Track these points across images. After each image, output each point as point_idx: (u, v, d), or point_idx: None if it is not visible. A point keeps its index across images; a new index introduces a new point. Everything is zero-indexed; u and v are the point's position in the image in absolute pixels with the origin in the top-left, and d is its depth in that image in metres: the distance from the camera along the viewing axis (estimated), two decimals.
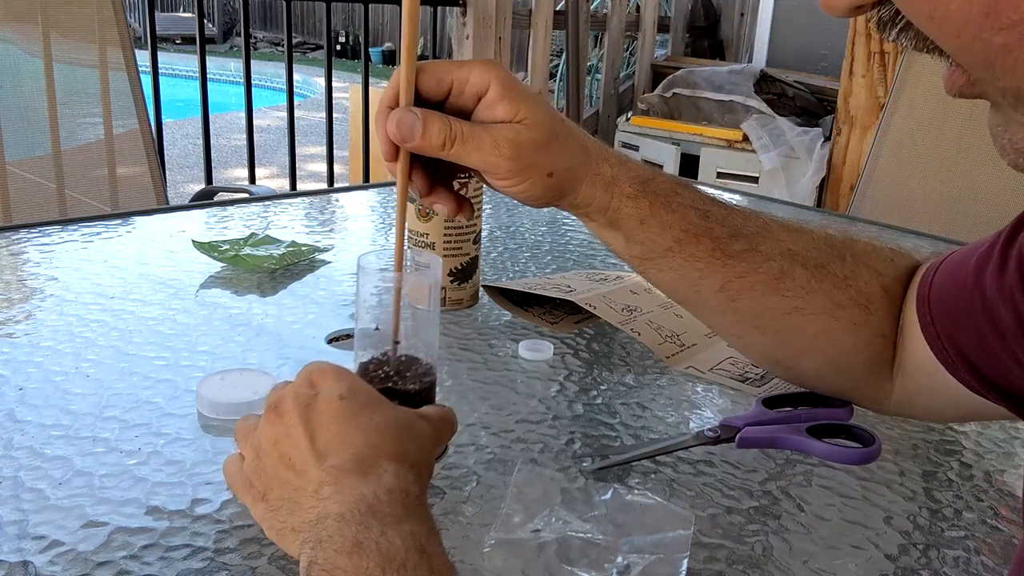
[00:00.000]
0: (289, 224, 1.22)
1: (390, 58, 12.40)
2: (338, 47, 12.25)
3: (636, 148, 3.89)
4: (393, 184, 0.61)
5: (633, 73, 4.60)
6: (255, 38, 12.78)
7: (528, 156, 0.58)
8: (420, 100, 0.58)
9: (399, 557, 0.43)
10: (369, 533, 0.44)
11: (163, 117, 2.49)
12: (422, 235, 0.90)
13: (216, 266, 1.02)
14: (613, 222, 0.62)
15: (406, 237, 0.81)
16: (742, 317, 0.65)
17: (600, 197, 0.61)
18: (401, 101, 0.58)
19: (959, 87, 0.34)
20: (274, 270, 1.02)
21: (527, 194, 0.60)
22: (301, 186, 3.41)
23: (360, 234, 1.29)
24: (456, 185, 0.65)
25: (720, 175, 3.63)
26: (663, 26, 4.71)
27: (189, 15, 13.71)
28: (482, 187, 0.90)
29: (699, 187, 0.66)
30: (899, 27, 0.33)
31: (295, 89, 2.84)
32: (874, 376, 0.65)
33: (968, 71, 0.33)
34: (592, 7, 4.27)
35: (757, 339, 0.66)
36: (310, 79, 8.84)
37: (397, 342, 0.61)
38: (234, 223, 1.21)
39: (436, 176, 0.62)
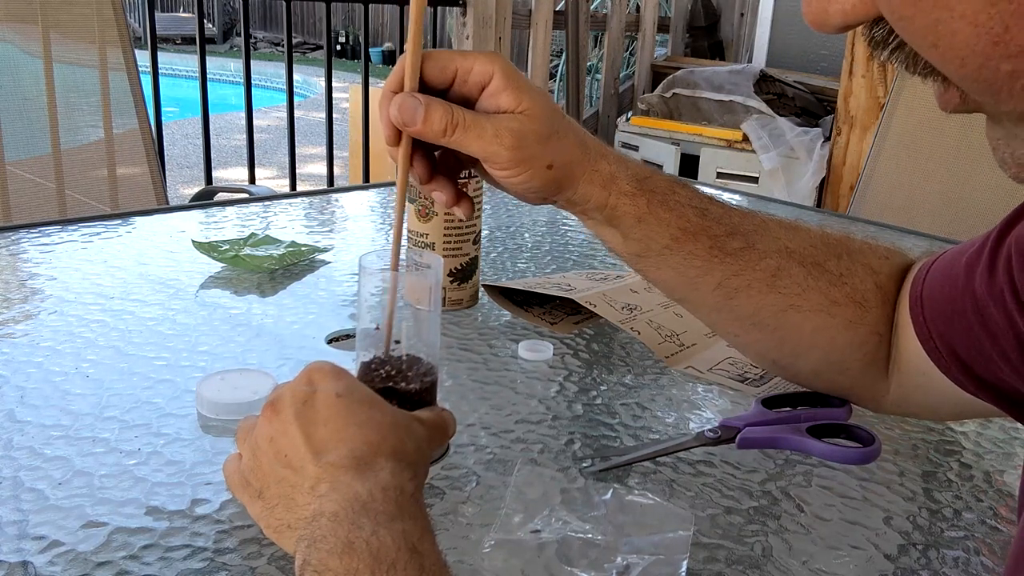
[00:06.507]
0: (289, 224, 1.22)
1: (390, 58, 12.39)
2: (338, 47, 12.26)
3: (636, 148, 3.89)
4: (393, 184, 0.61)
5: (633, 73, 4.60)
6: (255, 38, 12.78)
7: (529, 147, 0.58)
8: (424, 88, 0.58)
9: (389, 557, 0.43)
10: (360, 533, 0.44)
11: (163, 117, 2.50)
12: (422, 235, 0.89)
13: (216, 266, 1.02)
14: (611, 219, 0.63)
15: (406, 237, 0.81)
16: (739, 315, 0.65)
17: (598, 194, 0.62)
18: (406, 86, 0.58)
19: (954, 105, 0.33)
20: (274, 270, 1.02)
21: (526, 186, 0.60)
22: (301, 186, 3.42)
23: (360, 234, 1.28)
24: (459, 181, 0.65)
25: (720, 175, 3.62)
26: (663, 26, 4.71)
27: (189, 15, 13.71)
28: (482, 187, 0.90)
29: (696, 186, 0.66)
30: (891, 48, 0.32)
31: (295, 89, 2.85)
32: (870, 374, 0.65)
33: (967, 94, 0.32)
34: (592, 7, 4.27)
35: (755, 337, 0.66)
36: (310, 79, 8.85)
37: (397, 342, 0.61)
38: (234, 223, 1.21)
39: (437, 168, 0.62)
